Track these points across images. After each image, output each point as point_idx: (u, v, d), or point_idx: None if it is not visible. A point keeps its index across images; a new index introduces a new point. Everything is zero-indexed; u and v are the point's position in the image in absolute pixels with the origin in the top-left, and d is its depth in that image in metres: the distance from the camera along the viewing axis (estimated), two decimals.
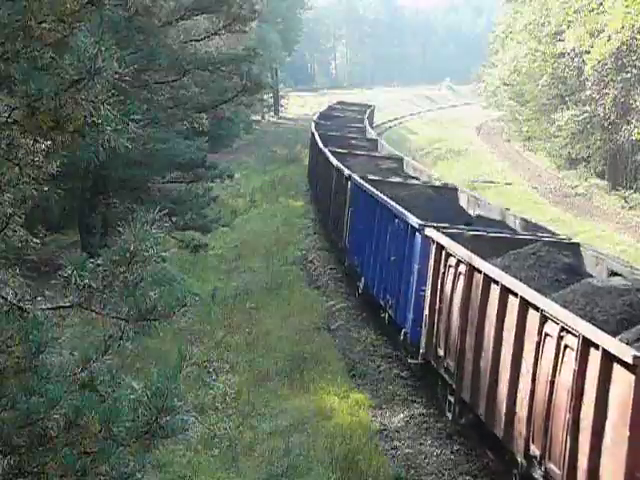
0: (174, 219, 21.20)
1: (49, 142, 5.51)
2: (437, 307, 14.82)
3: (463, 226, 17.04)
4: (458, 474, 13.50)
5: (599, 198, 43.30)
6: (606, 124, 44.51)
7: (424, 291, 15.58)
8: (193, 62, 18.44)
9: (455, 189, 23.71)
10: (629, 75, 41.65)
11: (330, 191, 28.62)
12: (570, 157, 50.46)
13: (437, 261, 14.99)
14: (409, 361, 16.60)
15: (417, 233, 16.56)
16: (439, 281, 14.86)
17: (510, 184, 46.51)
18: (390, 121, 77.10)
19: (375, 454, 13.87)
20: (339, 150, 31.83)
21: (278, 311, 22.03)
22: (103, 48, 5.16)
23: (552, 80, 51.01)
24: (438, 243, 15.03)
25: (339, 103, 64.93)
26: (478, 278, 13.04)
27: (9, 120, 5.45)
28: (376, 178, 24.05)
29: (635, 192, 42.58)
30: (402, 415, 15.72)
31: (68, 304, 5.78)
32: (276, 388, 16.78)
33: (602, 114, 44.00)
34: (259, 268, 26.70)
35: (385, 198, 20.01)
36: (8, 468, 5.52)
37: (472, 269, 13.35)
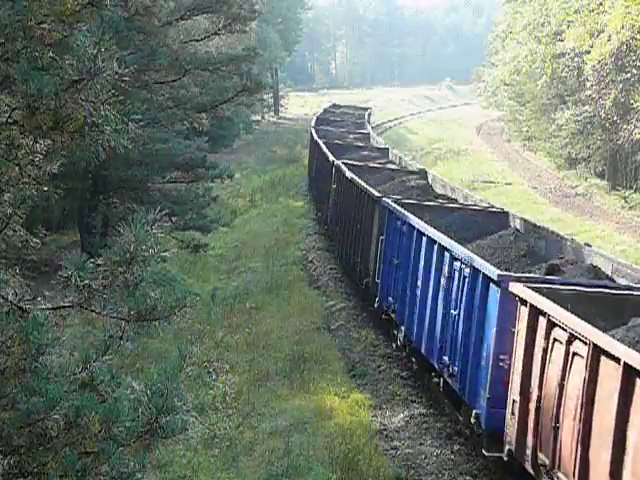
0: (174, 219, 21.22)
1: (49, 142, 5.51)
2: (536, 394, 10.82)
3: (552, 277, 13.14)
4: (458, 474, 13.50)
5: (599, 198, 43.32)
6: (606, 124, 44.52)
7: (504, 361, 12.09)
8: (193, 62, 18.46)
9: (505, 213, 19.69)
10: (629, 75, 41.65)
11: (347, 212, 24.73)
12: (570, 157, 50.49)
13: (531, 329, 11.08)
14: (485, 453, 12.68)
15: (492, 285, 12.84)
16: (538, 358, 10.89)
17: (510, 184, 46.55)
18: (390, 121, 77.11)
19: (375, 454, 13.87)
20: (353, 163, 28.17)
21: (278, 311, 22.03)
22: (103, 48, 5.16)
23: (552, 80, 51.03)
24: (533, 305, 11.06)
25: (334, 106, 63.34)
26: (611, 367, 9.10)
27: (9, 120, 5.45)
28: (413, 201, 20.19)
29: (635, 192, 42.60)
30: (402, 415, 15.73)
31: (68, 304, 5.78)
32: (276, 388, 16.78)
33: (602, 114, 44.01)
34: (259, 268, 26.71)
35: (437, 233, 16.17)
36: (8, 468, 5.52)
37: (598, 351, 9.37)
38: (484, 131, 77.03)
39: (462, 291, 14.23)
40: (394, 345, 18.53)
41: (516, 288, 11.65)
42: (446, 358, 14.64)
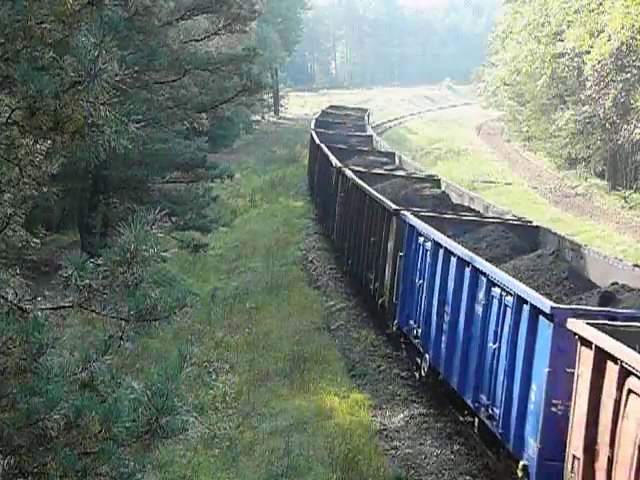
0: (174, 219, 21.22)
1: (49, 142, 5.51)
2: (605, 453, 9.07)
3: (614, 310, 11.43)
4: (458, 474, 13.51)
5: (599, 198, 43.35)
6: (606, 124, 44.54)
7: (558, 407, 10.71)
8: (193, 62, 18.46)
9: (536, 227, 18.13)
10: (629, 75, 41.67)
11: (357, 223, 23.09)
12: (570, 157, 50.51)
13: (598, 375, 9.34)
14: None
15: (543, 318, 11.23)
16: (607, 410, 9.14)
17: (510, 184, 46.59)
18: (390, 121, 77.13)
19: (375, 454, 13.87)
20: (362, 170, 26.51)
21: (278, 311, 22.03)
22: (104, 50, 5.17)
23: (552, 80, 51.07)
24: (600, 348, 9.32)
25: (332, 107, 62.68)
26: None
27: (9, 121, 5.45)
28: (435, 214, 18.50)
29: (635, 192, 42.61)
30: (402, 415, 15.73)
31: (68, 304, 5.78)
32: (276, 388, 16.79)
33: (602, 114, 44.04)
34: (259, 268, 26.72)
35: (469, 253, 14.51)
36: (8, 468, 5.52)
37: None
38: (484, 131, 77.07)
39: (503, 322, 12.51)
40: (416, 374, 16.86)
41: (576, 326, 9.86)
42: (484, 397, 12.94)
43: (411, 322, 16.94)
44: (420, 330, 16.29)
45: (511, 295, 12.22)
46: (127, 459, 5.72)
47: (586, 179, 47.58)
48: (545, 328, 11.07)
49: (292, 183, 43.81)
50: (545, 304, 11.15)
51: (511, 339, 12.07)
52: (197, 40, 19.21)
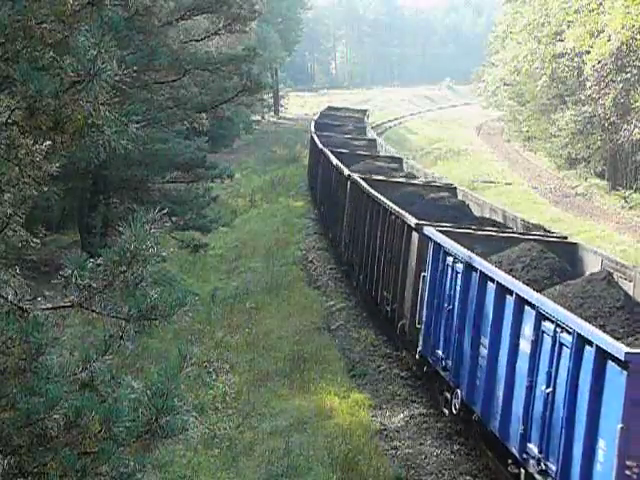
0: (174, 219, 21.23)
1: (49, 142, 5.51)
2: None
3: None
4: (458, 474, 13.52)
5: (599, 198, 43.36)
6: (606, 124, 44.54)
7: (632, 470, 9.35)
8: (193, 62, 18.46)
9: (574, 244, 16.41)
10: (629, 75, 41.67)
11: (370, 237, 21.23)
12: (570, 157, 50.52)
13: None
14: None
15: (612, 363, 9.64)
16: None
17: (510, 184, 46.61)
18: (390, 121, 77.17)
19: (375, 454, 13.87)
20: (373, 178, 24.64)
21: (278, 311, 22.04)
22: (103, 49, 5.16)
23: (552, 80, 51.09)
24: None
25: (330, 108, 62.48)
26: None
27: (9, 121, 5.45)
28: (462, 230, 16.68)
29: (635, 192, 42.62)
30: (402, 415, 15.73)
31: (68, 304, 5.78)
32: (276, 388, 16.79)
33: (602, 114, 44.04)
34: (259, 268, 26.72)
35: (514, 281, 12.64)
36: (8, 468, 5.52)
37: None
38: (484, 131, 77.11)
39: (558, 363, 10.81)
40: (446, 411, 15.00)
41: None
42: (534, 448, 11.20)
43: (439, 352, 15.11)
44: (450, 362, 14.53)
45: (569, 333, 10.54)
46: (127, 459, 5.72)
47: (586, 179, 47.60)
48: (616, 375, 9.52)
49: (292, 183, 43.81)
50: (617, 348, 9.52)
51: (570, 383, 10.40)
52: (197, 40, 19.21)
